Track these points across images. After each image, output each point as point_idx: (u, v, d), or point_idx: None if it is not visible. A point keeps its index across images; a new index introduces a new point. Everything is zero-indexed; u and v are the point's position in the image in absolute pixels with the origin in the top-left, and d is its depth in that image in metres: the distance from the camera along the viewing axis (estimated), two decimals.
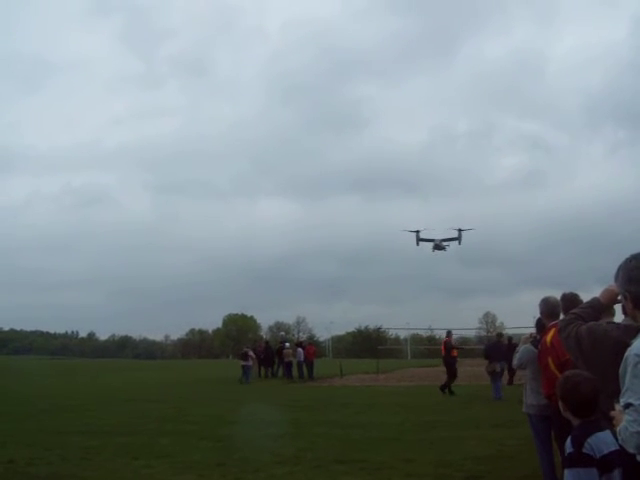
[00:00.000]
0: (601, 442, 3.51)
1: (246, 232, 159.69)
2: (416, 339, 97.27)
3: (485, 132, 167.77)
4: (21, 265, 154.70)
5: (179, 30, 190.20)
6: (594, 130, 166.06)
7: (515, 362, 8.29)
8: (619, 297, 4.03)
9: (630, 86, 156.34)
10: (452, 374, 23.66)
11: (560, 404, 3.80)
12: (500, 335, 27.72)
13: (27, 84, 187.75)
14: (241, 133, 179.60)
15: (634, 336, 3.50)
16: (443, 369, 25.09)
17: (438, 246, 61.10)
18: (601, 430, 3.58)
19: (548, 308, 6.92)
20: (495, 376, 21.20)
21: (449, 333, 26.39)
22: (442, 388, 23.19)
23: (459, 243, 61.40)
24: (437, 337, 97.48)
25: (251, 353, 32.87)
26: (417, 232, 60.83)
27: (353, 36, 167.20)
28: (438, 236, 61.25)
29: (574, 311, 4.32)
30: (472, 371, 37.62)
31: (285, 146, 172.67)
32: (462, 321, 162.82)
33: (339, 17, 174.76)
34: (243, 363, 32.10)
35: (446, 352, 24.48)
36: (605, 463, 3.46)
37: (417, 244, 61.37)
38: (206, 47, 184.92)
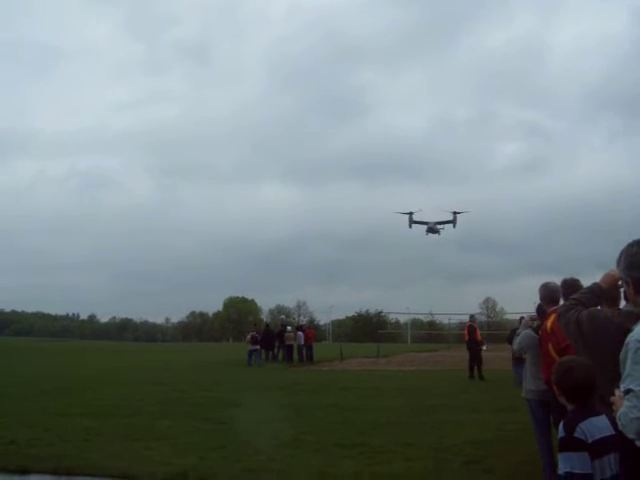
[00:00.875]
0: (594, 427, 3.52)
1: (248, 216, 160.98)
2: (416, 324, 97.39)
3: (486, 119, 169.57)
4: (24, 247, 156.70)
5: (183, 17, 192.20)
6: (594, 118, 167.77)
7: (515, 347, 8.29)
8: (620, 282, 4.03)
9: (629, 75, 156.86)
10: (478, 359, 23.15)
11: (555, 389, 3.80)
12: (523, 319, 27.39)
13: (35, 70, 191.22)
14: (244, 118, 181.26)
15: (635, 322, 3.49)
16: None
17: (432, 229, 59.14)
18: (596, 415, 3.58)
19: (548, 293, 6.90)
20: (520, 362, 20.55)
21: (472, 317, 25.94)
22: (471, 375, 22.77)
23: (454, 226, 59.23)
24: (437, 322, 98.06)
25: (257, 336, 32.36)
26: (410, 214, 58.71)
27: (356, 24, 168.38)
28: (432, 219, 59.28)
29: (574, 296, 4.31)
30: None
31: (287, 131, 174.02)
32: (462, 306, 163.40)
33: (343, 5, 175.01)
34: (251, 347, 31.78)
35: (469, 337, 24.12)
36: (597, 448, 3.47)
37: (410, 226, 59.37)
38: (210, 33, 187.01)
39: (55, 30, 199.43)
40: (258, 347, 32.03)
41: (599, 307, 4.38)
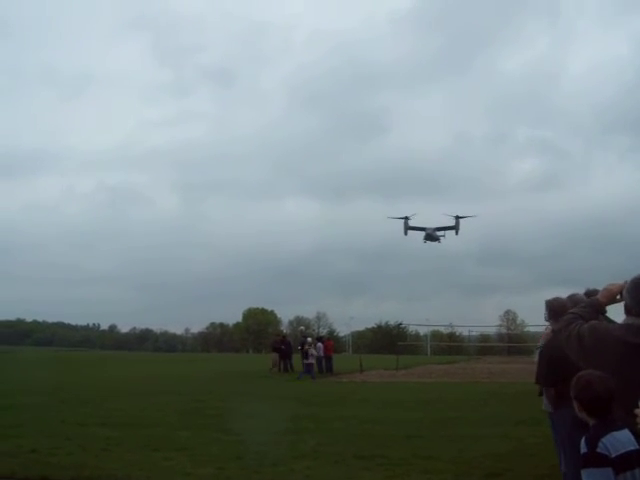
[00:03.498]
0: (617, 441, 3.46)
1: (269, 230, 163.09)
2: (436, 336, 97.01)
3: (502, 138, 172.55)
4: (49, 260, 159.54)
5: (209, 43, 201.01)
6: (606, 137, 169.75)
7: (535, 359, 8.20)
8: (618, 297, 4.04)
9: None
10: None
11: (575, 404, 3.76)
12: None
13: (68, 93, 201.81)
14: (267, 137, 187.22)
15: (635, 334, 3.47)
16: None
17: (430, 236, 52.70)
18: (618, 429, 3.52)
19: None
20: None
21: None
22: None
23: (456, 233, 52.80)
24: (457, 334, 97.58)
25: (313, 351, 31.58)
26: (405, 219, 52.17)
27: (376, 49, 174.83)
28: (432, 224, 52.94)
29: (574, 310, 4.30)
30: (493, 368, 37.45)
31: (308, 150, 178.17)
32: (482, 319, 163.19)
33: (362, 32, 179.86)
34: (306, 362, 30.92)
35: None
36: (621, 463, 3.40)
37: (405, 233, 53.10)
38: (234, 59, 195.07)
39: (87, 56, 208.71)
40: (313, 362, 31.21)
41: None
